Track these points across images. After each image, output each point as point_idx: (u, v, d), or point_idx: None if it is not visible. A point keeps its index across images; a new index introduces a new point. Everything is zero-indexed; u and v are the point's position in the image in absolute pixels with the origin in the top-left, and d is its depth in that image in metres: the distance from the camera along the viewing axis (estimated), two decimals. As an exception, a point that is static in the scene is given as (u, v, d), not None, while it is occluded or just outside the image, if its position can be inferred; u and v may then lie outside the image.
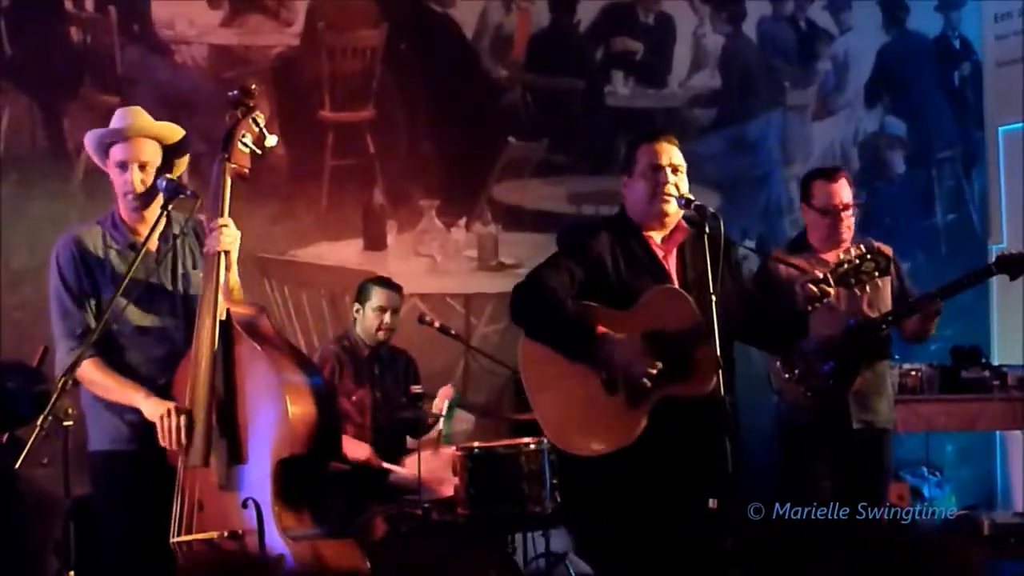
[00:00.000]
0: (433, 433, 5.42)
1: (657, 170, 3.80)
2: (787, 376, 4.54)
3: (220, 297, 3.47)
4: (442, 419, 5.39)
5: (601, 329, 3.66)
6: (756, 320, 3.90)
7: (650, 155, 3.84)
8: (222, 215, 3.52)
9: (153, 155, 3.63)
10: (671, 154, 3.85)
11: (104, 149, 3.67)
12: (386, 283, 5.53)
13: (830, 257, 4.50)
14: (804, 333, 4.26)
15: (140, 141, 3.63)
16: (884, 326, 4.59)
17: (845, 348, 4.50)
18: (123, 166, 3.62)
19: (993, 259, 4.50)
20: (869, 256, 3.79)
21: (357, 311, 5.50)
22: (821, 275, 3.77)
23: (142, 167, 3.61)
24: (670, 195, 3.78)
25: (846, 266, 3.80)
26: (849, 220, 4.61)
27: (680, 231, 3.86)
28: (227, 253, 3.52)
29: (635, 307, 3.73)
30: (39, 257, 5.49)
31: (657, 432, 3.67)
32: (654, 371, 3.61)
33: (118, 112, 3.73)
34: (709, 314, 3.50)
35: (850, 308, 4.56)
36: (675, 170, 3.82)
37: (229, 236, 3.50)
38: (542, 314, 3.75)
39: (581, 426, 3.73)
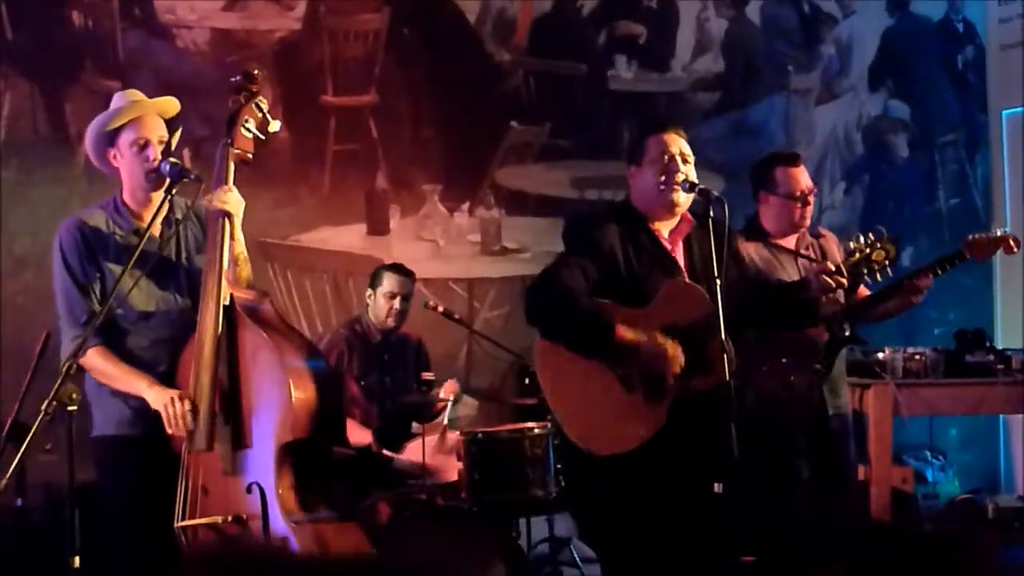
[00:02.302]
0: (439, 420, 5.43)
1: (668, 159, 3.80)
2: (765, 368, 4.47)
3: (224, 282, 3.46)
4: (447, 411, 5.40)
5: (620, 331, 3.65)
6: (764, 309, 3.91)
7: (659, 145, 3.84)
8: (227, 181, 3.51)
9: (164, 131, 3.64)
10: (680, 144, 3.85)
11: (110, 137, 3.63)
12: (398, 269, 5.54)
13: (787, 243, 4.51)
14: (815, 322, 4.26)
15: (152, 118, 3.63)
16: (873, 306, 4.60)
17: (829, 339, 4.48)
18: (144, 144, 3.59)
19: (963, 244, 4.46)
20: (879, 245, 3.80)
21: (369, 296, 5.52)
22: (833, 267, 3.80)
23: (160, 142, 3.61)
24: (679, 184, 3.77)
25: (857, 255, 3.81)
26: (811, 205, 4.57)
27: (685, 222, 3.86)
28: (230, 217, 3.50)
29: (651, 304, 3.73)
30: (41, 243, 5.49)
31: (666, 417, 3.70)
32: (678, 370, 3.63)
33: (117, 96, 3.72)
34: (715, 299, 3.51)
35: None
36: (684, 160, 3.82)
37: (231, 198, 3.49)
38: (559, 315, 3.73)
39: (603, 425, 3.73)
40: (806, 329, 4.33)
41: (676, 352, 3.65)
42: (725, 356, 3.52)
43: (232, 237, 3.52)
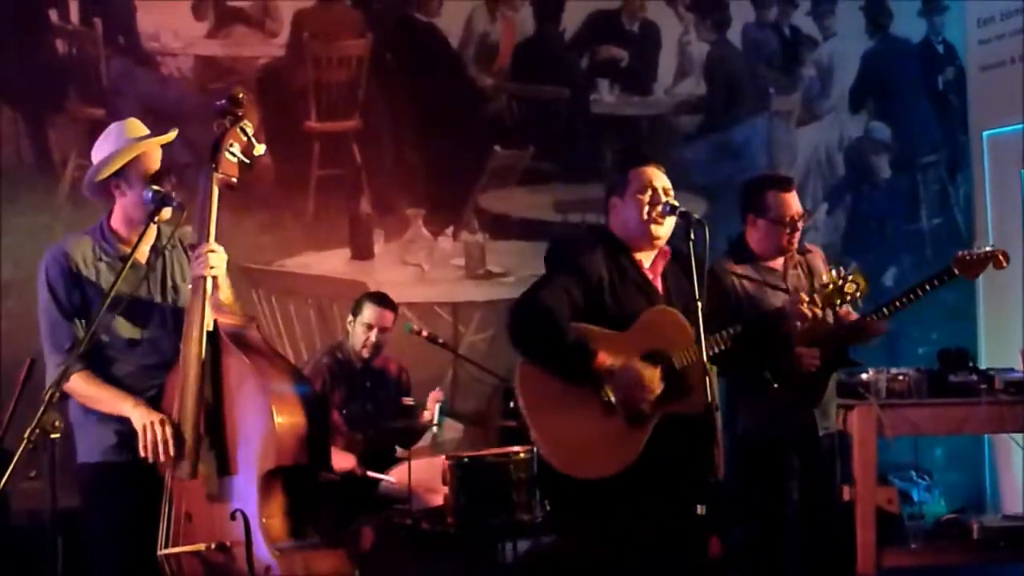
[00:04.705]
0: (427, 440, 5.43)
1: (651, 193, 3.87)
2: (754, 394, 4.48)
3: (208, 308, 3.46)
4: (435, 425, 5.42)
5: (600, 358, 3.69)
6: (740, 344, 3.96)
7: (643, 178, 3.92)
8: (208, 239, 3.49)
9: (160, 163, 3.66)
10: (663, 179, 3.94)
11: (110, 171, 3.63)
12: (380, 300, 5.53)
13: (775, 265, 4.55)
14: (790, 351, 4.31)
15: (157, 150, 3.64)
16: (852, 336, 4.63)
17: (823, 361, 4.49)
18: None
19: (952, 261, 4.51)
20: (850, 277, 3.97)
21: (350, 323, 5.54)
22: (808, 297, 3.93)
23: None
24: (661, 210, 3.85)
25: (831, 287, 3.98)
26: (800, 230, 4.57)
27: (663, 255, 3.93)
28: (215, 279, 3.51)
29: (632, 328, 3.78)
30: (25, 269, 5.49)
31: (647, 441, 3.71)
32: (652, 397, 3.65)
33: (119, 127, 3.69)
34: (696, 323, 3.56)
35: (815, 323, 4.55)
36: (666, 193, 3.89)
37: (215, 261, 3.49)
38: (541, 338, 3.76)
39: (583, 450, 3.74)
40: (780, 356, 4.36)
41: (653, 378, 3.69)
42: (708, 380, 3.56)
43: (217, 288, 3.52)
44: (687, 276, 3.66)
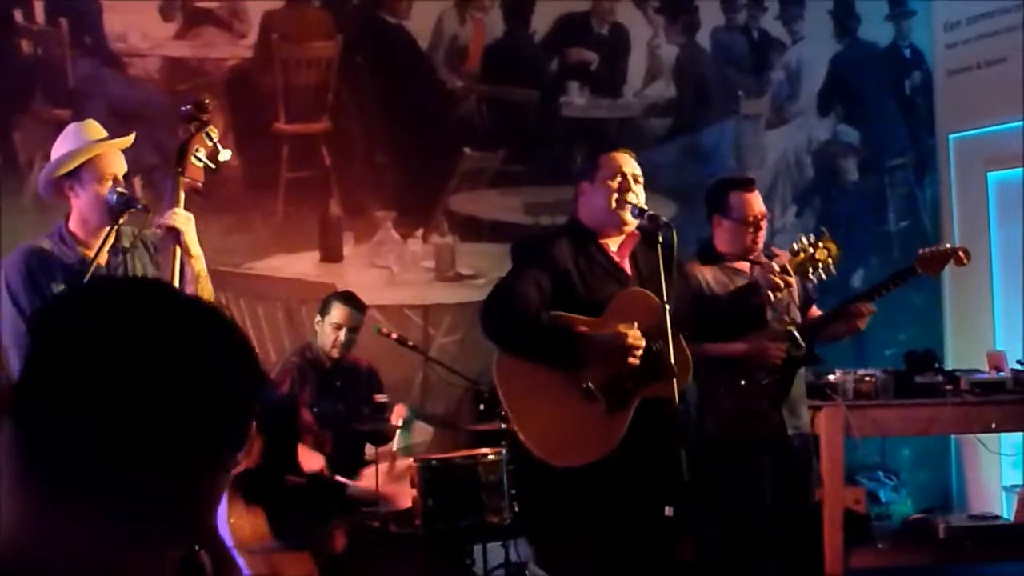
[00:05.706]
0: (391, 446, 5.42)
1: (620, 179, 3.88)
2: (723, 390, 4.50)
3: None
4: (398, 434, 5.41)
5: (579, 328, 3.69)
6: (712, 318, 3.99)
7: (613, 164, 3.95)
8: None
9: (124, 165, 3.63)
10: (632, 164, 3.94)
11: (63, 171, 3.60)
12: (348, 300, 5.53)
13: (741, 266, 4.57)
14: (763, 325, 4.35)
15: (115, 153, 3.62)
16: (818, 331, 4.65)
17: (785, 358, 4.50)
18: (106, 180, 3.58)
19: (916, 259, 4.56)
20: (821, 243, 4.00)
21: (318, 323, 5.53)
22: (779, 266, 3.97)
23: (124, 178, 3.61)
24: (630, 203, 3.86)
25: (802, 255, 4.00)
26: (763, 230, 4.62)
27: (631, 238, 3.94)
28: (179, 234, 3.46)
29: (606, 312, 3.80)
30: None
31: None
32: (640, 352, 3.64)
33: (76, 128, 3.68)
34: (663, 321, 3.57)
35: (777, 317, 4.58)
36: (635, 180, 3.91)
37: (181, 215, 3.46)
38: (517, 325, 3.77)
39: (564, 438, 3.76)
40: (754, 332, 4.39)
41: (636, 335, 3.68)
42: (675, 380, 3.57)
43: (189, 254, 3.49)
44: (665, 265, 3.67)
